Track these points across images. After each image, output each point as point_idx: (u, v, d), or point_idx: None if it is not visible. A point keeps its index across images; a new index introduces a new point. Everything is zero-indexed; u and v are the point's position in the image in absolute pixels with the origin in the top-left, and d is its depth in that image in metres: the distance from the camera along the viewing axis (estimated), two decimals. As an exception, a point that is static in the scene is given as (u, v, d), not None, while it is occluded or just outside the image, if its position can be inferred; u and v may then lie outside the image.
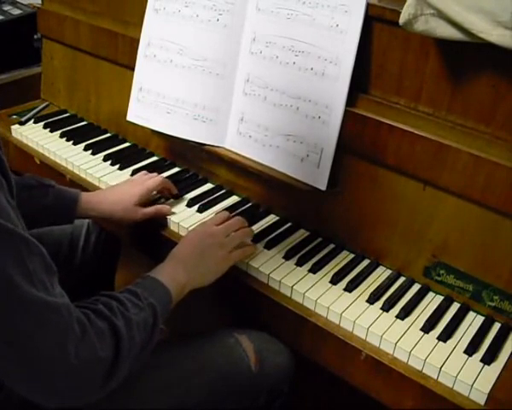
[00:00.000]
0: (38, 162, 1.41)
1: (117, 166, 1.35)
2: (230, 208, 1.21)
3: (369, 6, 1.02)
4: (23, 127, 1.51)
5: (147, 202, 1.18)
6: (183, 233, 1.15)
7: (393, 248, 1.06)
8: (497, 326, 0.96)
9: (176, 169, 1.37)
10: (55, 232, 1.25)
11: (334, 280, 1.03)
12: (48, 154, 1.41)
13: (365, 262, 1.10)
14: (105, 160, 1.37)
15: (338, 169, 1.09)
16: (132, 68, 1.32)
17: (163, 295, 0.88)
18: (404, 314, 0.96)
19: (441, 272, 1.01)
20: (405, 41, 0.99)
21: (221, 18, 1.20)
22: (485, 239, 0.95)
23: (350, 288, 1.01)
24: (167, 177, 1.32)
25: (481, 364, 0.88)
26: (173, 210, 1.20)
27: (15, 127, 1.50)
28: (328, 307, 0.97)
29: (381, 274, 1.07)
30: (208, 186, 1.31)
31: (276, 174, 1.16)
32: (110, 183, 1.27)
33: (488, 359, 0.89)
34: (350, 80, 1.05)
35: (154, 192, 1.21)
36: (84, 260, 1.29)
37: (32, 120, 1.54)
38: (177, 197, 1.24)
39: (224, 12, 1.19)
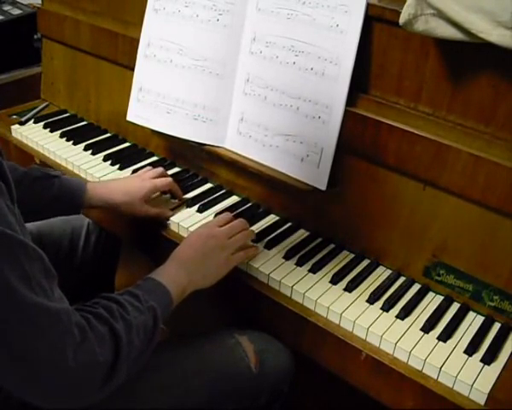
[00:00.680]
0: (38, 162, 1.41)
1: (117, 166, 1.35)
2: (230, 208, 1.21)
3: (369, 6, 1.02)
4: (23, 127, 1.51)
5: (151, 199, 1.18)
6: (182, 233, 1.15)
7: (393, 248, 1.06)
8: (497, 326, 0.96)
9: (176, 169, 1.37)
10: (55, 233, 1.25)
11: (334, 280, 1.03)
12: (48, 154, 1.41)
13: (365, 262, 1.10)
14: (105, 160, 1.37)
15: (338, 169, 1.09)
16: (132, 68, 1.32)
17: (164, 297, 0.87)
18: (404, 314, 0.96)
19: (441, 272, 1.01)
20: (405, 41, 0.99)
21: (221, 18, 1.20)
22: (485, 239, 0.95)
23: (350, 288, 1.01)
24: (167, 177, 1.32)
25: (481, 364, 0.88)
26: (173, 210, 1.20)
27: (15, 127, 1.50)
28: (328, 307, 0.97)
29: (381, 274, 1.07)
30: (208, 186, 1.31)
31: (276, 174, 1.16)
32: (110, 183, 1.27)
33: (488, 359, 0.89)
34: (350, 80, 1.05)
35: (157, 194, 1.21)
36: (85, 260, 1.29)
37: (32, 120, 1.54)
38: (182, 201, 1.23)
39: (224, 12, 1.19)
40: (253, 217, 1.18)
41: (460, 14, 0.86)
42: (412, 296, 1.01)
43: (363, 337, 0.93)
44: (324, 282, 1.03)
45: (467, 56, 0.93)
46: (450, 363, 0.88)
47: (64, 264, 1.24)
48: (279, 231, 1.16)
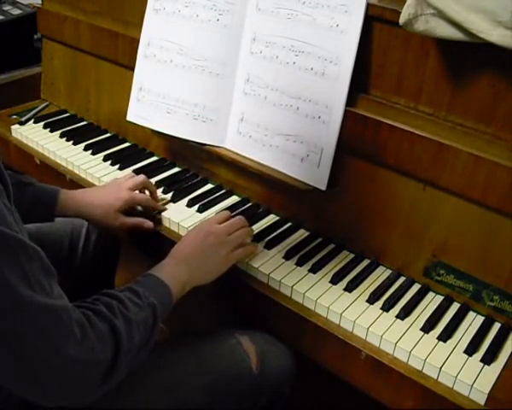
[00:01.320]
0: (38, 162, 1.41)
1: (117, 166, 1.35)
2: (230, 208, 1.21)
3: (369, 6, 1.02)
4: (23, 127, 1.51)
5: (131, 210, 1.17)
6: (182, 233, 1.15)
7: (393, 248, 1.06)
8: (497, 326, 0.96)
9: (176, 169, 1.37)
10: (55, 233, 1.25)
11: (334, 280, 1.03)
12: (48, 154, 1.41)
13: (365, 262, 1.10)
14: (105, 160, 1.37)
15: (338, 169, 1.09)
16: (132, 68, 1.32)
17: (164, 293, 0.88)
18: (404, 314, 0.96)
19: (441, 272, 1.01)
20: (405, 41, 0.99)
21: (221, 18, 1.20)
22: (485, 239, 0.95)
23: (350, 288, 1.01)
24: (167, 177, 1.32)
25: (481, 364, 0.88)
26: (173, 210, 1.20)
27: (15, 127, 1.50)
28: (328, 307, 0.97)
29: (381, 274, 1.07)
30: (208, 186, 1.31)
31: (276, 174, 1.16)
32: (110, 183, 1.27)
33: (488, 359, 0.89)
34: (350, 80, 1.05)
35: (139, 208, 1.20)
36: (85, 260, 1.29)
37: (32, 120, 1.54)
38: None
39: (224, 12, 1.19)
40: (252, 217, 1.18)
41: (460, 14, 0.86)
42: (412, 296, 1.01)
43: (363, 337, 0.93)
44: (324, 282, 1.03)
45: (467, 56, 0.93)
46: (450, 363, 0.88)
47: (64, 264, 1.24)
48: (279, 231, 1.16)
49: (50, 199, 1.11)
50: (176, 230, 1.16)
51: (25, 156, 1.45)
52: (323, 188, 1.10)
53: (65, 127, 1.51)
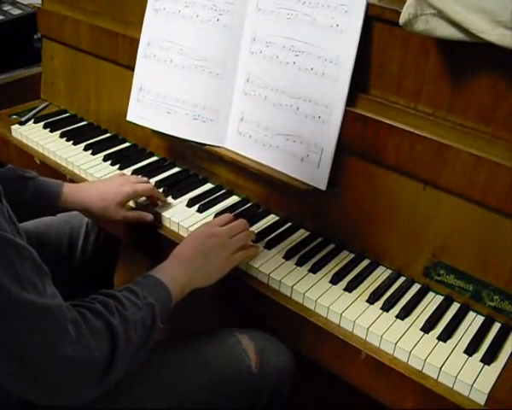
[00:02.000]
0: (38, 162, 1.41)
1: (117, 166, 1.35)
2: (230, 208, 1.21)
3: (369, 6, 1.02)
4: (23, 127, 1.51)
5: (132, 203, 1.18)
6: (182, 233, 1.15)
7: (393, 248, 1.06)
8: (497, 326, 0.96)
9: (176, 169, 1.37)
10: (53, 233, 1.25)
11: (334, 280, 1.03)
12: (48, 154, 1.41)
13: (365, 262, 1.10)
14: (105, 160, 1.37)
15: (338, 169, 1.09)
16: (132, 68, 1.32)
17: (163, 294, 0.87)
18: (404, 314, 0.96)
19: (441, 272, 1.01)
20: (405, 41, 0.99)
21: (221, 18, 1.20)
22: (485, 239, 0.95)
23: (350, 288, 1.01)
24: (167, 177, 1.32)
25: (481, 364, 0.88)
26: (173, 210, 1.20)
27: (15, 127, 1.50)
28: (328, 307, 0.97)
29: (381, 274, 1.07)
30: (208, 186, 1.31)
31: (276, 174, 1.16)
32: (110, 183, 1.27)
33: (488, 359, 0.89)
34: (350, 80, 1.05)
35: (144, 198, 1.21)
36: (83, 260, 1.28)
37: (32, 120, 1.54)
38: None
39: (224, 12, 1.19)
40: (252, 217, 1.18)
41: (460, 14, 0.86)
42: (412, 296, 1.01)
43: (363, 337, 0.93)
44: (324, 282, 1.03)
45: (467, 56, 0.93)
46: (450, 363, 0.88)
47: (63, 264, 1.23)
48: (279, 231, 1.16)
49: (53, 193, 1.11)
50: (176, 230, 1.16)
51: (25, 156, 1.45)
52: (323, 188, 1.10)
53: (65, 127, 1.51)
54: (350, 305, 0.98)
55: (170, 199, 1.24)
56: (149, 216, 1.16)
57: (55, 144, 1.43)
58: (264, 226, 1.17)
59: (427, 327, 0.94)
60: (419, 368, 0.89)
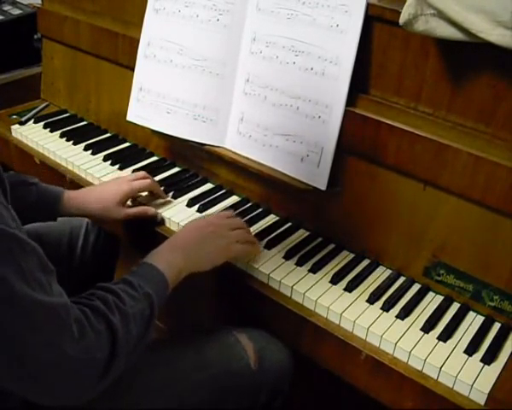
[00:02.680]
0: (38, 162, 1.41)
1: (117, 166, 1.35)
2: (230, 208, 1.21)
3: (369, 6, 1.02)
4: (23, 127, 1.51)
5: (133, 200, 1.19)
6: (182, 233, 1.15)
7: (393, 248, 1.06)
8: (497, 326, 0.96)
9: (176, 169, 1.37)
10: (53, 233, 1.25)
11: (334, 280, 1.03)
12: (48, 154, 1.41)
13: (365, 262, 1.09)
14: (105, 160, 1.37)
15: (338, 169, 1.09)
16: (132, 68, 1.32)
17: (159, 282, 0.87)
18: (404, 314, 0.96)
19: (441, 272, 1.01)
20: (405, 41, 0.99)
21: (221, 18, 1.20)
22: (485, 239, 0.95)
23: (350, 288, 1.01)
24: (167, 177, 1.32)
25: (481, 364, 0.88)
26: (173, 210, 1.20)
27: (15, 127, 1.50)
28: (328, 307, 0.97)
29: (381, 274, 1.07)
30: (208, 186, 1.31)
31: (276, 174, 1.16)
32: (110, 183, 1.27)
33: (488, 359, 0.89)
34: (350, 80, 1.05)
35: (146, 193, 1.22)
36: (83, 259, 1.29)
37: (32, 120, 1.54)
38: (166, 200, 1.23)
39: (224, 12, 1.19)
40: (252, 217, 1.18)
41: (460, 14, 0.86)
42: (412, 296, 1.01)
43: (363, 337, 0.93)
44: (324, 282, 1.03)
45: (467, 56, 0.93)
46: (450, 363, 0.88)
47: (63, 264, 1.24)
48: (279, 231, 1.16)
49: (54, 199, 1.12)
50: (176, 230, 1.16)
51: (25, 156, 1.44)
52: (323, 188, 1.10)
53: (65, 127, 1.51)
54: (350, 305, 0.98)
55: (170, 199, 1.24)
56: (151, 210, 1.17)
57: (55, 144, 1.43)
58: (264, 226, 1.17)
59: (427, 327, 0.94)
60: (419, 368, 0.89)
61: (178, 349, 0.98)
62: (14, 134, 1.50)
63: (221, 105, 1.23)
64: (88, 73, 1.53)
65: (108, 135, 1.50)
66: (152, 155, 1.42)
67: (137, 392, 0.90)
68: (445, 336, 0.92)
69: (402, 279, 1.06)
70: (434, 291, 1.03)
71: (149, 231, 1.18)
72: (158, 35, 1.27)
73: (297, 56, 1.10)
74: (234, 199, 1.26)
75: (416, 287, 1.04)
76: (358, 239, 1.10)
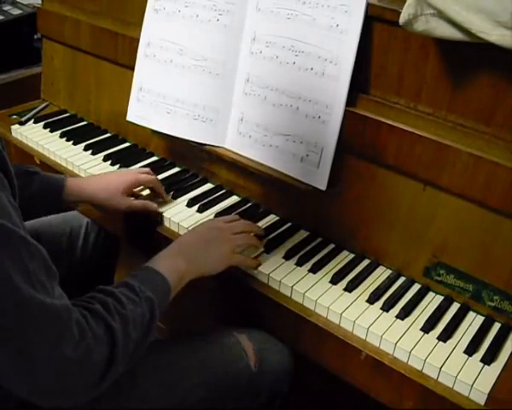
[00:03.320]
0: (38, 162, 1.41)
1: (117, 166, 1.35)
2: (230, 208, 1.21)
3: (369, 6, 1.02)
4: (23, 127, 1.51)
5: (135, 194, 1.19)
6: (182, 233, 1.14)
7: (393, 249, 1.06)
8: (497, 326, 0.96)
9: (176, 169, 1.37)
10: (53, 232, 1.25)
11: (334, 280, 1.03)
12: (48, 154, 1.41)
13: (365, 262, 1.09)
14: (105, 160, 1.37)
15: (338, 169, 1.09)
16: (132, 68, 1.32)
17: (161, 286, 0.87)
18: (404, 314, 0.96)
19: (441, 272, 1.01)
20: (405, 41, 0.99)
21: (221, 18, 1.20)
22: (485, 239, 0.95)
23: (350, 288, 1.01)
24: (167, 177, 1.32)
25: (481, 364, 0.88)
26: (173, 210, 1.20)
27: (15, 127, 1.50)
28: (328, 307, 0.97)
29: (381, 274, 1.07)
30: (208, 186, 1.31)
31: (276, 174, 1.16)
32: (110, 183, 1.27)
33: (488, 359, 0.89)
34: (350, 80, 1.05)
35: (147, 191, 1.22)
36: (83, 259, 1.29)
37: (32, 120, 1.54)
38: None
39: (224, 12, 1.19)
40: (253, 217, 1.18)
41: (460, 14, 0.86)
42: (412, 296, 1.01)
43: (363, 337, 0.93)
44: (324, 282, 1.03)
45: (467, 56, 0.93)
46: (450, 363, 0.88)
47: (63, 264, 1.23)
48: (279, 231, 1.16)
49: (57, 186, 1.13)
50: (176, 230, 1.16)
51: (25, 156, 1.45)
52: (323, 188, 1.10)
53: (65, 127, 1.51)
54: (350, 305, 0.98)
55: (170, 199, 1.24)
56: (154, 206, 1.17)
57: (55, 144, 1.43)
58: (264, 226, 1.17)
59: (427, 327, 0.94)
60: (419, 368, 0.89)
61: (179, 350, 0.98)
62: (14, 134, 1.50)
63: (221, 105, 1.23)
64: (88, 73, 1.53)
65: (108, 135, 1.50)
66: (152, 155, 1.42)
67: (138, 392, 0.90)
68: (445, 336, 0.92)
69: (402, 279, 1.06)
70: (434, 291, 1.03)
71: (149, 231, 1.18)
72: (158, 35, 1.27)
73: (297, 56, 1.10)
74: (234, 199, 1.26)
75: (416, 287, 1.04)
76: (358, 239, 1.10)
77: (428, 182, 0.99)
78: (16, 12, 2.00)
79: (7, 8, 2.03)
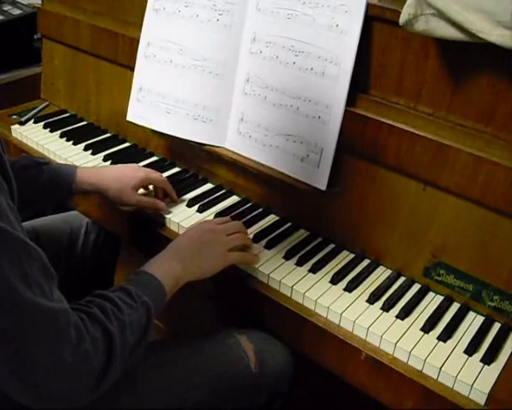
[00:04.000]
0: (38, 162, 1.41)
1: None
2: (230, 208, 1.21)
3: (369, 6, 1.02)
4: (23, 127, 1.51)
5: (145, 191, 1.20)
6: (182, 233, 1.14)
7: (393, 248, 1.06)
8: (497, 326, 0.96)
9: (176, 169, 1.37)
10: (53, 232, 1.25)
11: (334, 280, 1.03)
12: (48, 154, 1.41)
13: (365, 262, 1.10)
14: (105, 160, 1.37)
15: (338, 169, 1.09)
16: (132, 68, 1.32)
17: (157, 290, 0.87)
18: (404, 314, 0.96)
19: (441, 272, 1.01)
20: (405, 41, 0.99)
21: (221, 18, 1.20)
22: (485, 239, 0.95)
23: (350, 288, 1.01)
24: (167, 177, 1.32)
25: (481, 364, 0.88)
26: (173, 210, 1.20)
27: (15, 127, 1.50)
28: (328, 307, 0.97)
29: (381, 274, 1.07)
30: (208, 186, 1.31)
31: (276, 174, 1.16)
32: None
33: (488, 359, 0.89)
34: (350, 80, 1.05)
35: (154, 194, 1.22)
36: (83, 260, 1.29)
37: (32, 120, 1.54)
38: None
39: (224, 12, 1.19)
40: (252, 217, 1.18)
41: (460, 14, 0.86)
42: (412, 296, 1.01)
43: (363, 337, 0.93)
44: (324, 282, 1.03)
45: (467, 56, 0.93)
46: (450, 363, 0.88)
47: (63, 264, 1.24)
48: (279, 231, 1.16)
49: (68, 175, 1.13)
50: (176, 230, 1.16)
51: (25, 156, 1.44)
52: (323, 188, 1.10)
53: (65, 127, 1.51)
54: (350, 305, 0.98)
55: (178, 199, 1.24)
56: (161, 204, 1.17)
57: (55, 144, 1.43)
58: (264, 226, 1.17)
59: (427, 327, 0.94)
60: (419, 368, 0.89)
61: (178, 351, 0.98)
62: (14, 134, 1.50)
63: (221, 105, 1.23)
64: (88, 73, 1.53)
65: (108, 135, 1.50)
66: (152, 155, 1.42)
67: (138, 393, 0.90)
68: (445, 336, 0.92)
69: (402, 279, 1.06)
70: (434, 291, 1.03)
71: (149, 231, 1.18)
72: (158, 35, 1.27)
73: (297, 56, 1.10)
74: (234, 199, 1.26)
75: (416, 287, 1.04)
76: (358, 239, 1.10)
77: (428, 182, 0.99)
78: (16, 12, 2.00)
79: (7, 8, 2.03)
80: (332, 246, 1.13)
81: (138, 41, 1.30)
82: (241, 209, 1.22)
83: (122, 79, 1.41)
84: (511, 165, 0.90)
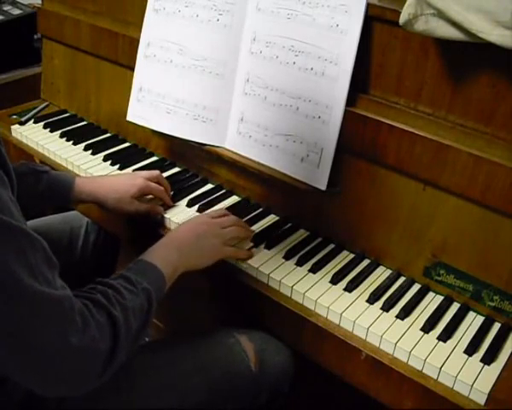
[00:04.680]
0: (38, 162, 1.40)
1: (117, 166, 1.35)
2: (230, 208, 1.21)
3: (369, 6, 1.02)
4: (23, 127, 1.51)
5: (143, 198, 1.19)
6: (182, 233, 1.15)
7: (393, 248, 1.06)
8: (497, 326, 0.96)
9: (176, 169, 1.37)
10: (53, 233, 1.25)
11: (334, 280, 1.03)
12: (48, 154, 1.41)
13: (365, 262, 1.10)
14: (105, 160, 1.37)
15: (338, 169, 1.09)
16: (132, 68, 1.32)
17: (157, 278, 0.88)
18: (404, 314, 0.96)
19: (441, 272, 1.01)
20: (405, 41, 0.99)
21: (221, 18, 1.20)
22: (485, 239, 0.95)
23: (350, 288, 1.01)
24: (167, 177, 1.32)
25: (481, 364, 0.88)
26: (173, 210, 1.20)
27: (15, 127, 1.50)
28: (328, 307, 0.97)
29: (381, 274, 1.07)
30: (208, 186, 1.31)
31: (276, 174, 1.16)
32: (110, 183, 1.27)
33: (488, 359, 0.89)
34: (350, 80, 1.05)
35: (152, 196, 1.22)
36: (83, 260, 1.29)
37: (32, 120, 1.54)
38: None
39: (224, 12, 1.19)
40: (253, 217, 1.18)
41: (460, 14, 0.86)
42: (412, 296, 1.01)
43: (363, 337, 0.93)
44: (324, 282, 1.03)
45: (467, 56, 0.93)
46: (450, 363, 0.88)
47: (63, 263, 1.23)
48: (279, 231, 1.16)
49: (67, 184, 1.13)
50: (176, 230, 1.16)
51: (25, 156, 1.44)
52: (323, 188, 1.10)
53: (65, 127, 1.51)
54: (350, 305, 0.98)
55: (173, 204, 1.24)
56: (160, 209, 1.17)
57: (55, 144, 1.43)
58: (264, 226, 1.17)
59: (427, 327, 0.94)
60: (419, 368, 0.89)
61: (178, 350, 0.98)
62: (14, 134, 1.50)
63: (221, 105, 1.23)
64: (88, 73, 1.53)
65: (108, 135, 1.50)
66: (152, 155, 1.42)
67: (137, 393, 0.90)
68: (445, 336, 0.92)
69: (402, 279, 1.06)
70: (434, 291, 1.03)
71: (149, 231, 1.18)
72: (158, 35, 1.27)
73: (297, 56, 1.10)
74: (234, 199, 1.26)
75: (416, 287, 1.04)
76: (358, 239, 1.10)
77: (428, 182, 0.99)
78: (16, 12, 2.01)
79: (7, 8, 2.03)
80: (332, 246, 1.13)
81: (138, 41, 1.30)
82: (241, 209, 1.22)
83: (122, 79, 1.41)
84: (511, 165, 0.90)
